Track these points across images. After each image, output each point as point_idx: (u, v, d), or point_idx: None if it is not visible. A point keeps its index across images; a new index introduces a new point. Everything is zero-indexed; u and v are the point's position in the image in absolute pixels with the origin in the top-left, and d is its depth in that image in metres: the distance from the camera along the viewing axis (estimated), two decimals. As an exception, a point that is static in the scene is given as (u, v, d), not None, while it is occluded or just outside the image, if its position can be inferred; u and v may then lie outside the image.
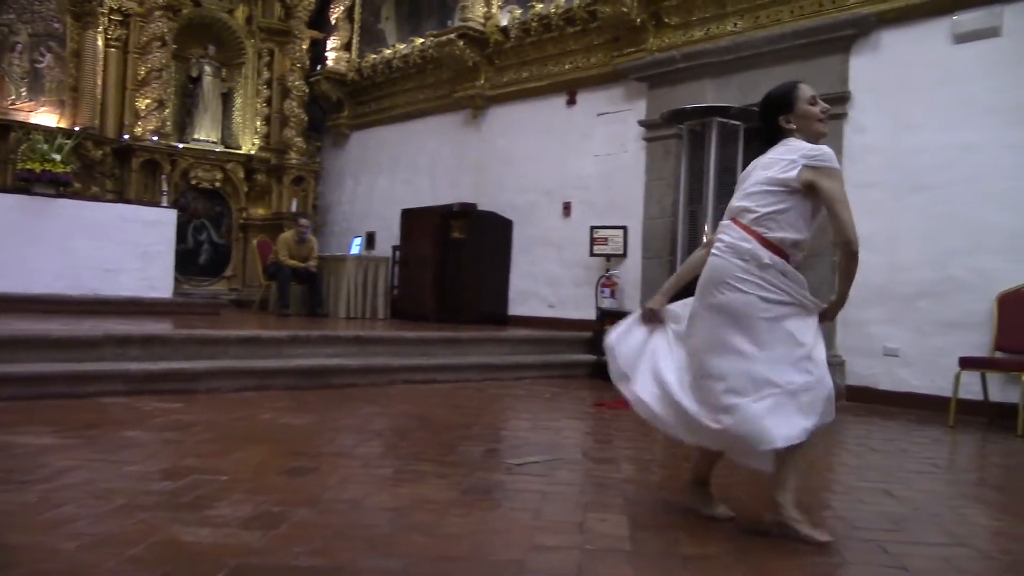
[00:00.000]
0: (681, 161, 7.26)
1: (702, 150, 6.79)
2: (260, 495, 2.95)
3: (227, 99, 12.23)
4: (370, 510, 2.85)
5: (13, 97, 10.06)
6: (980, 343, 6.00)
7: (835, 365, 6.72)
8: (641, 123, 8.46)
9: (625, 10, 8.21)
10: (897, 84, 6.67)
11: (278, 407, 5.12)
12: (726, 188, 6.68)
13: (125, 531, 2.48)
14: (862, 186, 6.76)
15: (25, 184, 8.74)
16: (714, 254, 2.85)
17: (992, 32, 6.20)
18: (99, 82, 10.75)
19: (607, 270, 8.59)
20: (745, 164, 7.05)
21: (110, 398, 5.03)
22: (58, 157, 8.87)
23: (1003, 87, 6.12)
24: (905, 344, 6.46)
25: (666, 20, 8.26)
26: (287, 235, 10.44)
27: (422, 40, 11.02)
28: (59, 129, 9.88)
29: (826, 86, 6.93)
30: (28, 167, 8.75)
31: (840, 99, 6.86)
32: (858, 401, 6.61)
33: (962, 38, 6.33)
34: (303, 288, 10.34)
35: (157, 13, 10.94)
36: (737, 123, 6.76)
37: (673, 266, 7.51)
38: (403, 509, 2.87)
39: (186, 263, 11.19)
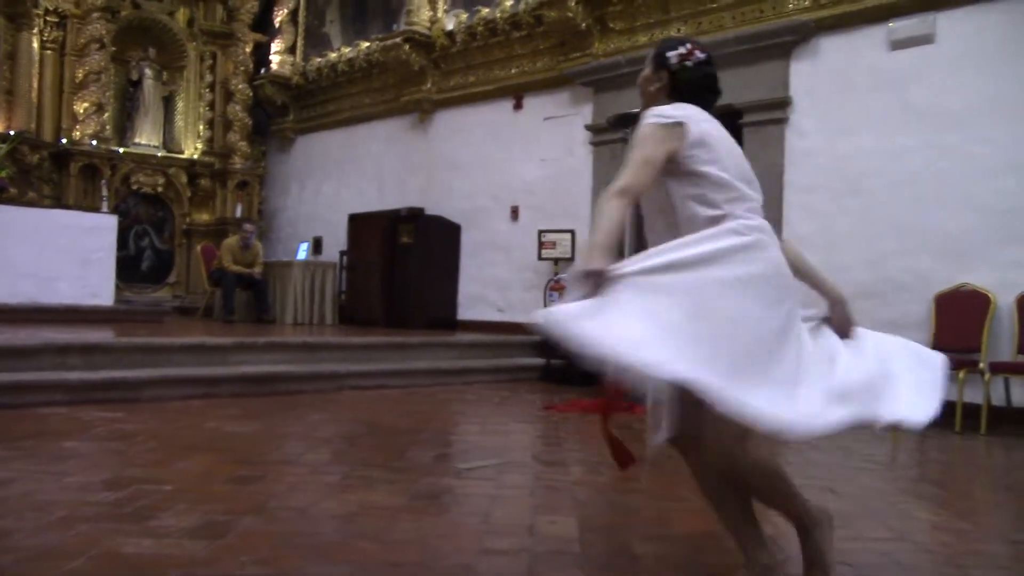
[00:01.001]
0: (627, 165, 7.35)
1: (648, 154, 6.89)
2: (205, 504, 2.90)
3: (169, 103, 12.02)
4: (317, 517, 2.82)
5: (-56, 100, 9.78)
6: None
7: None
8: (588, 127, 8.52)
9: (570, 15, 8.27)
10: (836, 89, 6.83)
11: (224, 415, 5.04)
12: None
13: (65, 543, 2.42)
14: (803, 190, 6.92)
15: (-42, 190, 8.49)
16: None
17: (927, 39, 6.38)
18: (35, 85, 10.49)
19: (556, 273, 8.64)
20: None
21: (49, 408, 4.91)
22: (-8, 162, 8.63)
23: (937, 92, 6.30)
24: (846, 343, 6.60)
25: (611, 25, 8.35)
26: (231, 241, 10.28)
27: (367, 44, 10.96)
28: (-7, 133, 9.61)
29: (768, 91, 7.08)
30: (-39, 172, 8.51)
31: (781, 104, 7.01)
32: (801, 400, 6.73)
33: (898, 44, 6.51)
34: (248, 294, 10.19)
35: (95, 15, 10.70)
36: (681, 127, 6.86)
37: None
38: (351, 516, 2.85)
39: (128, 270, 10.96)
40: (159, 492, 3.07)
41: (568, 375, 7.75)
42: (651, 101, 2.36)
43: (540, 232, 8.79)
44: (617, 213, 2.05)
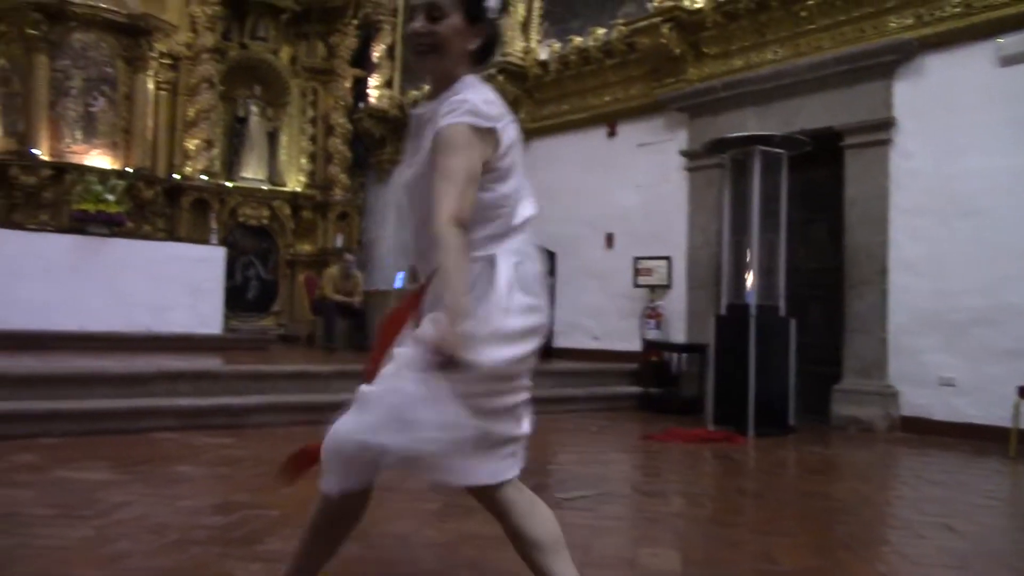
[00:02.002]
0: (724, 190, 7.24)
1: (745, 179, 6.75)
2: (310, 530, 2.96)
3: (273, 138, 12.48)
4: (417, 545, 2.85)
5: (68, 140, 10.37)
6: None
7: (888, 395, 6.59)
8: (683, 153, 8.45)
9: (664, 41, 8.24)
10: (942, 109, 6.58)
11: (325, 441, 5.15)
12: (771, 217, 6.65)
13: (179, 566, 2.51)
14: (909, 212, 6.68)
15: (80, 224, 8.99)
16: None
17: (1039, 54, 6.10)
18: (150, 124, 11.05)
19: (652, 301, 8.55)
20: (791, 192, 7.03)
21: (162, 433, 5.11)
22: (112, 197, 9.12)
23: (1053, 109, 6.01)
24: (960, 373, 6.30)
25: (705, 50, 8.27)
26: (332, 270, 10.57)
27: (463, 76, 11.14)
28: (112, 170, 10.16)
29: (869, 112, 6.88)
30: (83, 208, 9.02)
31: (884, 125, 6.79)
32: (912, 432, 6.45)
33: (1008, 60, 6.23)
34: (349, 322, 10.43)
35: (205, 56, 11.23)
36: (780, 151, 6.71)
37: (718, 296, 7.46)
38: (450, 544, 2.87)
39: (235, 299, 11.37)
40: (266, 517, 3.15)
41: (666, 404, 7.64)
42: (452, 67, 1.91)
43: (635, 259, 8.72)
44: (465, 253, 1.73)
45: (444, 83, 1.91)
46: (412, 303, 1.98)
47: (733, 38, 8.04)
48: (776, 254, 6.67)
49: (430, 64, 1.92)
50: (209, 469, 4.23)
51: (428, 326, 1.80)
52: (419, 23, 1.88)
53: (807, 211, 7.36)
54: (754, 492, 4.21)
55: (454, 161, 1.73)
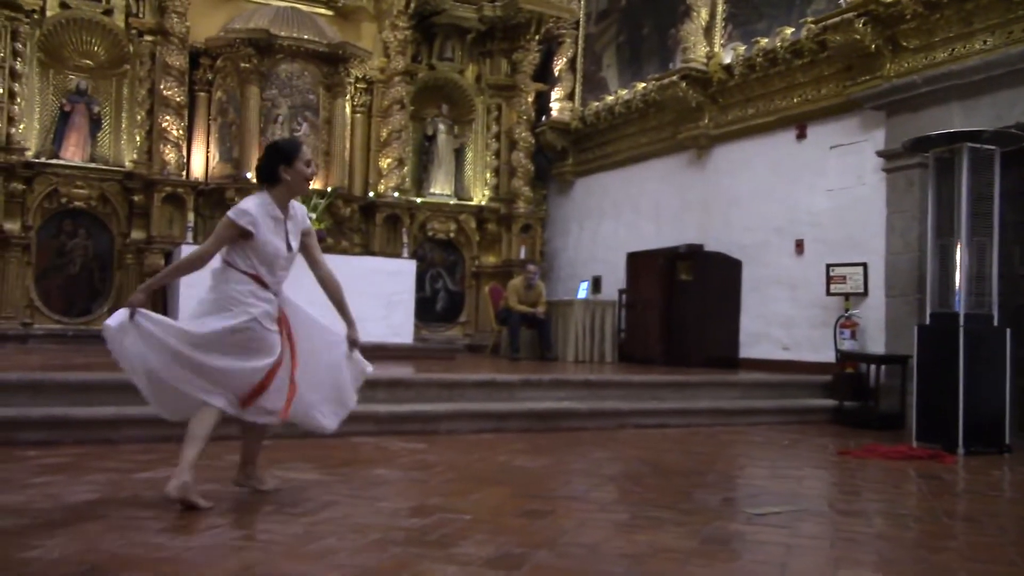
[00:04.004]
0: (927, 192, 6.77)
1: (951, 178, 6.29)
2: (501, 536, 3.04)
3: (459, 154, 12.90)
4: (608, 556, 2.85)
5: (276, 164, 11.17)
6: None
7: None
8: (879, 153, 7.98)
9: (858, 37, 7.84)
10: None
11: (512, 449, 5.27)
12: (981, 218, 6.15)
13: (380, 564, 2.64)
14: None
15: (287, 241, 9.68)
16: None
17: None
18: (347, 145, 11.72)
19: (846, 310, 8.13)
20: (1004, 192, 6.43)
21: (361, 437, 5.40)
22: (314, 216, 9.75)
23: None
24: None
25: (904, 44, 7.79)
26: (516, 281, 10.78)
27: (644, 84, 11.09)
28: (315, 190, 10.84)
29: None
30: (289, 226, 9.70)
31: (1117, 114, 6.14)
32: None
33: None
34: (533, 332, 10.60)
35: (397, 79, 11.79)
36: (992, 147, 6.20)
37: (922, 304, 6.98)
38: (641, 556, 2.85)
39: (424, 310, 11.81)
40: (459, 521, 3.26)
41: (863, 419, 7.24)
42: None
43: (828, 266, 8.33)
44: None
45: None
46: None
47: (935, 29, 7.53)
48: (987, 259, 6.16)
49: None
50: (404, 473, 4.43)
51: None
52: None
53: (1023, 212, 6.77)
54: (966, 515, 3.91)
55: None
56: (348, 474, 4.27)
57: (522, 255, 12.23)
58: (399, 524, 3.21)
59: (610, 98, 11.85)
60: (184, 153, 10.73)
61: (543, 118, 12.95)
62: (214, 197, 10.79)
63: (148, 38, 10.71)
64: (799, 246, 8.89)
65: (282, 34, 10.85)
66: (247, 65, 10.69)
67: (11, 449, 4.55)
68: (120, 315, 3.35)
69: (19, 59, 9.96)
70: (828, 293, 8.32)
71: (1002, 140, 6.21)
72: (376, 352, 8.83)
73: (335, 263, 9.42)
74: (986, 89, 7.05)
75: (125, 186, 10.43)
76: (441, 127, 12.64)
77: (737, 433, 6.54)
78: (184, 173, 10.68)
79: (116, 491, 3.63)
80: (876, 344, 7.84)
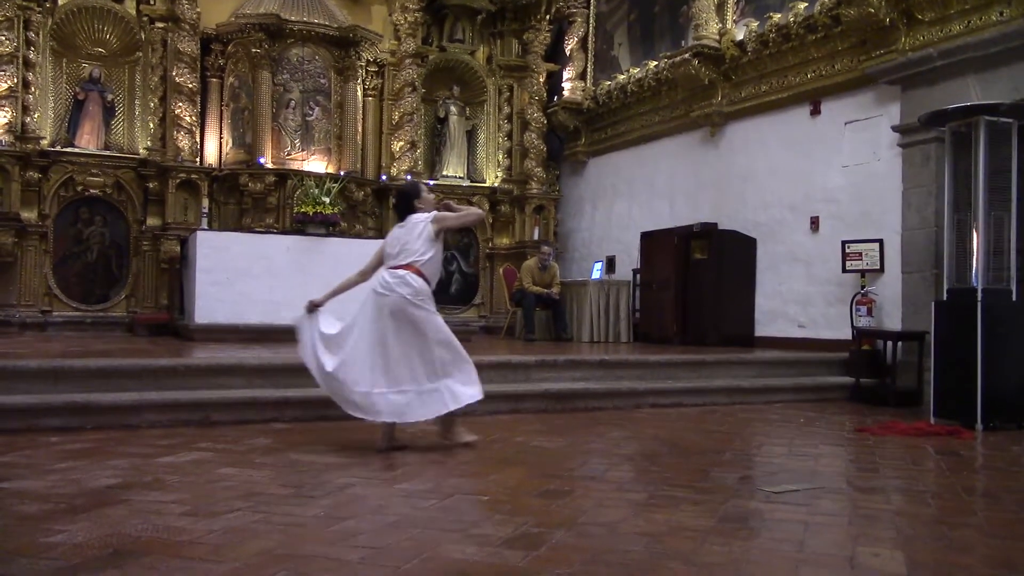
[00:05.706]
0: (943, 166, 6.71)
1: (968, 153, 6.22)
2: (520, 516, 3.05)
3: (471, 136, 12.87)
4: (626, 535, 2.86)
5: (288, 148, 11.18)
6: None
7: None
8: (895, 128, 7.91)
9: (872, 11, 7.75)
10: None
11: (529, 430, 5.29)
12: (999, 193, 6.09)
13: (400, 545, 2.67)
14: None
15: (300, 226, 9.71)
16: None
17: None
18: (359, 129, 11.71)
19: (862, 287, 8.08)
20: (1021, 165, 6.28)
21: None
22: (327, 200, 9.77)
23: None
24: None
25: (919, 16, 7.70)
26: (530, 263, 10.78)
27: (655, 63, 11.01)
28: (327, 174, 10.86)
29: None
30: (303, 210, 9.73)
31: None
32: None
33: None
34: (547, 313, 10.61)
35: (408, 61, 11.76)
36: (1009, 120, 6.13)
37: (939, 280, 6.93)
38: (659, 535, 2.86)
39: (439, 292, 11.74)
40: (478, 502, 3.28)
41: (881, 395, 7.23)
42: None
43: (844, 243, 8.27)
44: None
45: None
46: None
47: (951, 2, 7.42)
48: (1005, 233, 6.11)
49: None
50: (421, 455, 4.45)
51: None
52: None
53: (1042, 185, 6.69)
54: (986, 491, 3.90)
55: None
56: (365, 457, 4.30)
57: (536, 236, 12.22)
58: (418, 505, 3.23)
59: (622, 77, 11.77)
60: (197, 139, 10.76)
61: (555, 98, 12.89)
62: (228, 183, 10.83)
63: (159, 25, 10.74)
64: (814, 223, 8.84)
65: (292, 18, 10.84)
66: (258, 50, 10.69)
67: (34, 435, 4.61)
68: None
69: (32, 48, 10.02)
70: (844, 270, 8.27)
71: (1020, 113, 6.13)
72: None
73: (349, 247, 9.52)
74: (1003, 61, 6.96)
75: (140, 173, 10.49)
76: (453, 109, 12.62)
77: (754, 411, 6.54)
78: (198, 159, 10.72)
79: (138, 476, 3.67)
80: (892, 321, 7.80)
